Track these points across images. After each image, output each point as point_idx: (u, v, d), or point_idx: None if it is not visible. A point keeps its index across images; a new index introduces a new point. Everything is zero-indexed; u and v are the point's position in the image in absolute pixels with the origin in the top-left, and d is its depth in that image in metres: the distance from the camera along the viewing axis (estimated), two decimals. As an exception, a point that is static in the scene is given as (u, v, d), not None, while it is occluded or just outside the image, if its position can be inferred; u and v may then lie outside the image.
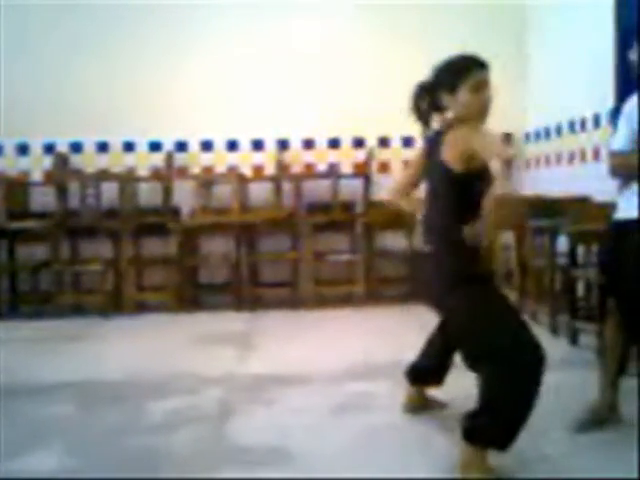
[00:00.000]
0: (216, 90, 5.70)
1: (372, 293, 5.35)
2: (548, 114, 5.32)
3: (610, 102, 4.25)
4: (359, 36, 5.74)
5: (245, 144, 5.83)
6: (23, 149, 5.72)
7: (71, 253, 5.53)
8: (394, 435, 2.53)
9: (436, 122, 2.34)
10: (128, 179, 5.47)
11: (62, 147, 5.71)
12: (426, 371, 2.72)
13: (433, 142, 2.26)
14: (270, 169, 5.77)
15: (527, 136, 5.81)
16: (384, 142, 5.85)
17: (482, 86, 2.19)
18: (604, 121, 4.44)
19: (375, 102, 5.56)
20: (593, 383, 2.64)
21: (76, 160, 5.71)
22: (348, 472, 2.19)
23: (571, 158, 5.00)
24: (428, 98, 2.30)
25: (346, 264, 5.48)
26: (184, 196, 5.52)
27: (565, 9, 5.04)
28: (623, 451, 2.31)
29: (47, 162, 5.67)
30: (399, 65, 5.48)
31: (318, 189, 5.54)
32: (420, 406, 2.75)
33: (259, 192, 5.62)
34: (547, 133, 5.42)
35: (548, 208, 4.38)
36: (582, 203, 4.14)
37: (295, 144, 5.84)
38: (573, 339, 3.79)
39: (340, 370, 3.42)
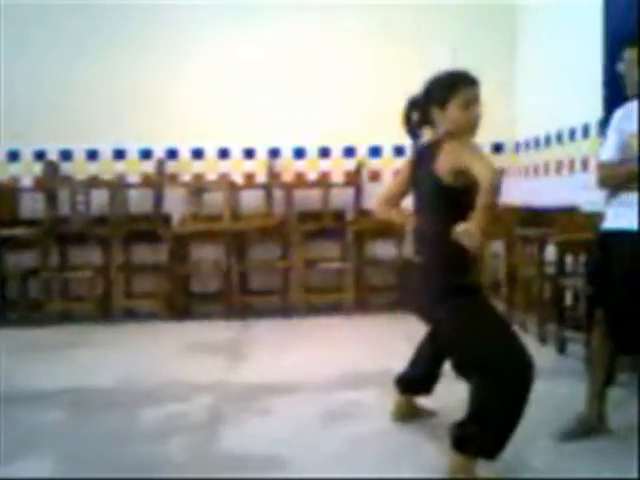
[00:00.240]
0: (207, 98, 5.71)
1: (362, 301, 5.36)
2: (538, 124, 5.36)
3: (599, 113, 4.30)
4: (350, 47, 5.76)
5: (236, 152, 5.84)
6: (13, 156, 5.70)
7: (61, 260, 5.50)
8: (383, 443, 2.54)
9: (427, 135, 2.37)
10: (118, 186, 5.46)
11: (52, 154, 5.69)
12: (416, 380, 2.73)
13: (423, 154, 2.28)
14: (261, 177, 5.78)
15: (517, 146, 5.85)
16: (375, 151, 5.88)
17: (472, 103, 2.21)
18: (593, 131, 4.48)
19: (366, 112, 5.59)
20: (580, 392, 2.66)
21: (66, 167, 5.70)
22: (337, 481, 2.19)
23: (560, 168, 5.04)
24: (419, 112, 2.34)
25: (336, 272, 5.49)
26: (175, 203, 5.51)
27: (554, 21, 5.10)
28: (609, 460, 2.33)
29: (37, 169, 5.66)
30: (390, 75, 5.53)
31: (309, 198, 5.56)
32: (409, 414, 2.76)
33: (250, 200, 5.62)
34: (537, 143, 5.46)
35: (537, 218, 4.42)
36: (570, 213, 4.17)
37: (286, 153, 5.85)
38: (561, 348, 3.82)
39: (330, 378, 3.42)
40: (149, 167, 5.72)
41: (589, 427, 2.54)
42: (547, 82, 5.18)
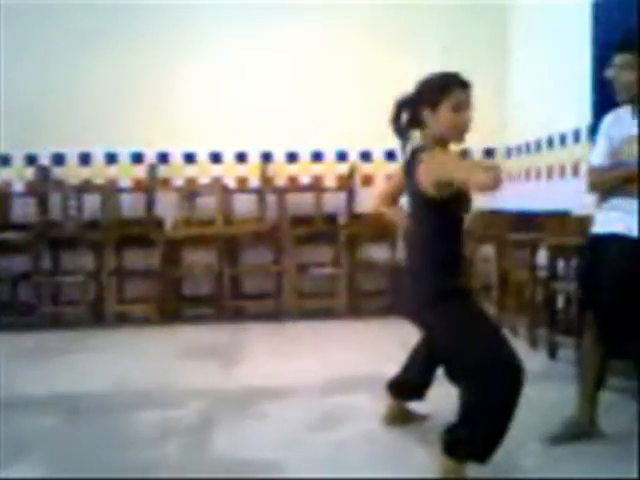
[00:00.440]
0: (199, 102, 5.71)
1: (354, 306, 5.36)
2: (529, 129, 5.39)
3: (589, 118, 4.33)
4: (342, 52, 5.78)
5: (229, 156, 5.84)
6: (5, 160, 5.68)
7: (52, 265, 5.48)
8: (375, 447, 2.54)
9: (415, 138, 2.34)
10: (110, 190, 5.45)
11: (44, 159, 5.68)
12: (408, 385, 2.73)
13: (410, 161, 2.27)
14: (254, 181, 5.78)
15: (509, 151, 5.88)
16: (366, 156, 5.90)
17: (463, 106, 2.20)
18: (584, 137, 4.51)
19: (357, 116, 5.61)
20: (571, 396, 2.67)
21: (58, 172, 5.69)
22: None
23: (551, 173, 5.07)
24: (409, 113, 2.31)
25: (329, 276, 5.49)
26: (167, 208, 5.51)
27: (544, 28, 5.13)
28: (600, 463, 2.34)
29: (29, 173, 5.64)
30: (381, 80, 5.53)
31: (302, 202, 5.56)
32: (401, 419, 2.76)
33: (242, 204, 5.62)
34: (528, 148, 5.49)
35: (528, 222, 4.44)
36: (562, 217, 4.20)
37: (278, 157, 5.86)
38: (552, 352, 3.83)
39: (322, 383, 3.42)
40: (141, 171, 5.71)
41: (580, 431, 2.55)
42: (538, 87, 5.22)
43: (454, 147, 2.30)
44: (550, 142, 5.07)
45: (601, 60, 3.97)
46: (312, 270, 5.45)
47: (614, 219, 2.58)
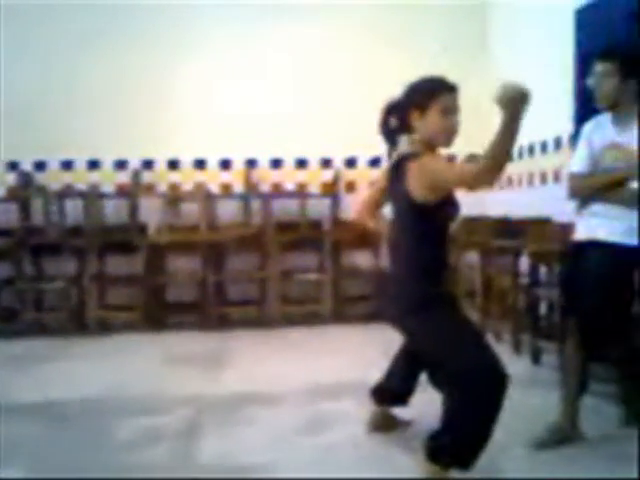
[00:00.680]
0: (182, 109, 5.70)
1: (339, 312, 5.36)
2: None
3: (570, 126, 4.38)
4: (326, 60, 5.81)
5: (212, 163, 5.83)
6: (-14, 166, 5.63)
7: (35, 271, 5.43)
8: (358, 453, 2.54)
9: (403, 143, 2.34)
10: (93, 196, 5.41)
11: (26, 165, 5.63)
12: (391, 392, 2.73)
13: (397, 168, 2.27)
14: (238, 188, 5.78)
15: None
16: (351, 163, 5.92)
17: (451, 110, 2.20)
18: (565, 144, 4.56)
19: (341, 123, 5.65)
20: (554, 401, 2.69)
21: (40, 177, 5.64)
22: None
23: (532, 180, 5.11)
24: (397, 118, 2.31)
25: (314, 283, 5.49)
26: (150, 214, 5.48)
27: (527, 36, 5.19)
28: (583, 467, 2.36)
29: (10, 178, 5.59)
30: (365, 88, 5.57)
31: (286, 208, 5.57)
32: (384, 425, 2.76)
33: (227, 210, 5.61)
34: (510, 155, 5.53)
35: (512, 228, 4.47)
36: (543, 224, 4.24)
37: (263, 163, 5.86)
38: (535, 358, 3.86)
39: (307, 389, 3.42)
40: (124, 177, 5.68)
41: (563, 435, 2.57)
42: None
43: (442, 151, 2.30)
44: (531, 149, 5.12)
45: (583, 68, 4.03)
46: (297, 276, 5.45)
47: (595, 225, 2.61)
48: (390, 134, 2.34)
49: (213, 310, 5.24)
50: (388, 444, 2.62)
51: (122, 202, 5.56)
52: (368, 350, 4.17)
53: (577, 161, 2.73)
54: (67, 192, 5.49)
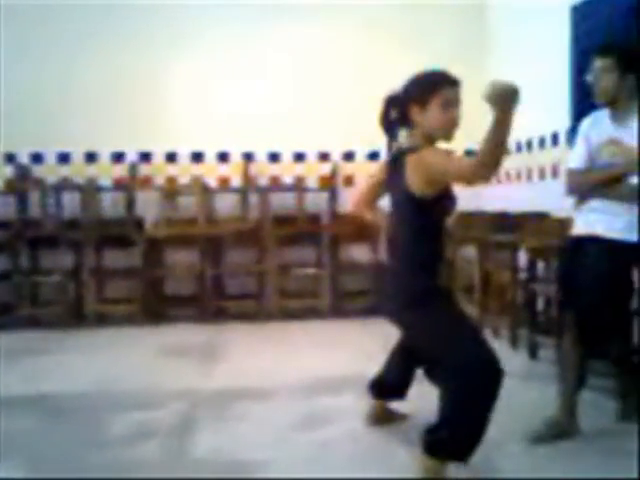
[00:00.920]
0: (180, 101, 5.69)
1: (337, 306, 5.37)
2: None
3: (567, 121, 4.38)
4: (323, 54, 5.79)
5: (210, 156, 5.82)
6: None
7: (31, 264, 5.42)
8: (356, 447, 2.55)
9: (403, 137, 2.33)
10: (90, 189, 5.40)
11: (23, 157, 5.61)
12: (389, 386, 2.73)
13: (396, 161, 2.26)
14: (235, 181, 5.77)
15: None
16: (349, 156, 5.91)
17: (452, 104, 2.19)
18: (562, 140, 4.56)
19: (339, 117, 5.64)
20: (552, 396, 2.70)
21: (37, 170, 5.62)
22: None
23: (530, 175, 5.11)
24: (397, 110, 2.29)
25: (312, 277, 5.49)
26: (148, 207, 5.47)
27: (524, 32, 5.17)
28: (580, 462, 2.37)
29: (7, 171, 5.57)
30: (363, 81, 5.57)
31: (284, 202, 5.57)
32: (383, 418, 2.77)
33: (225, 204, 5.61)
34: (508, 150, 5.53)
35: (510, 223, 4.47)
36: (542, 219, 4.24)
37: (261, 157, 5.85)
38: (533, 353, 3.87)
39: (304, 383, 3.42)
40: (121, 170, 5.67)
41: (560, 430, 2.58)
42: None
43: (443, 145, 2.28)
44: (529, 144, 5.12)
45: (580, 64, 4.03)
46: (295, 270, 5.45)
47: (593, 221, 2.62)
48: (390, 127, 2.33)
49: (211, 304, 5.24)
50: (386, 438, 2.63)
51: (119, 195, 5.55)
52: (366, 344, 4.18)
53: (575, 157, 2.73)
54: (64, 185, 5.47)
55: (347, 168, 5.89)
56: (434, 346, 2.20)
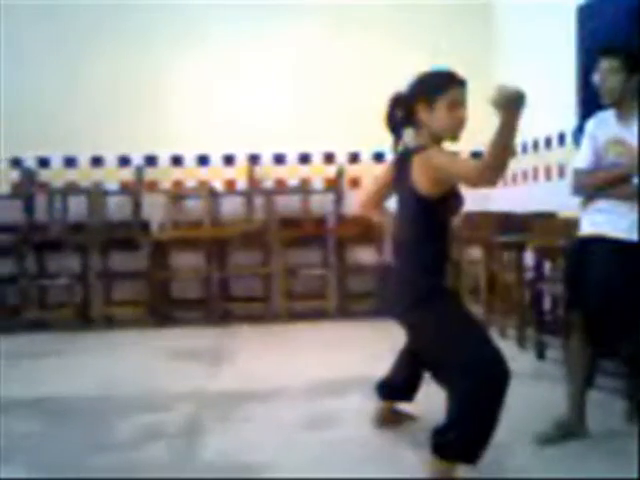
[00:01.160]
0: (186, 105, 5.71)
1: (344, 307, 5.37)
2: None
3: (574, 121, 4.37)
4: (328, 55, 5.79)
5: (216, 159, 5.83)
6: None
7: (38, 267, 5.44)
8: (363, 449, 2.54)
9: (409, 137, 2.30)
10: (96, 192, 5.42)
11: (29, 161, 5.64)
12: (397, 388, 2.72)
13: (403, 161, 2.25)
14: (241, 184, 5.77)
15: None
16: (354, 158, 5.91)
17: (459, 104, 2.17)
18: (568, 140, 4.55)
19: (345, 118, 5.63)
20: (559, 397, 2.69)
21: (43, 174, 5.64)
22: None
23: (536, 175, 5.10)
24: (403, 110, 2.27)
25: (318, 278, 5.49)
26: (154, 210, 5.49)
27: (529, 30, 5.17)
28: (587, 463, 2.35)
29: (14, 175, 5.60)
30: (369, 82, 5.56)
31: (289, 204, 5.57)
32: (390, 420, 2.76)
33: (230, 206, 5.62)
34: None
35: (515, 224, 4.46)
36: (548, 219, 4.23)
37: (266, 159, 5.86)
38: (540, 353, 3.85)
39: (310, 385, 3.42)
40: (127, 174, 5.68)
41: (568, 431, 2.57)
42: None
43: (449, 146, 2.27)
44: (536, 145, 5.11)
45: (586, 64, 4.02)
46: (301, 272, 5.45)
47: (600, 221, 2.61)
48: (396, 126, 2.31)
49: (217, 306, 5.25)
50: (394, 440, 2.62)
51: (125, 199, 5.57)
52: (373, 346, 4.17)
53: (581, 157, 2.73)
54: (71, 189, 5.50)
55: (352, 170, 5.89)
56: (440, 346, 2.18)
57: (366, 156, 5.90)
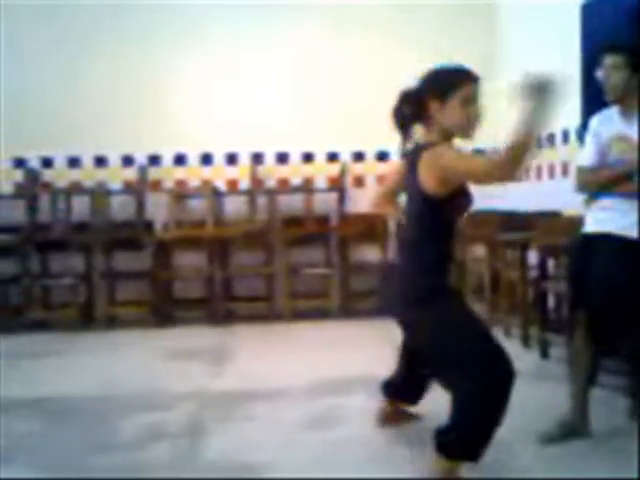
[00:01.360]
0: (188, 104, 5.70)
1: (347, 307, 5.36)
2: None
3: (577, 119, 4.35)
4: (332, 53, 5.78)
5: (219, 158, 5.82)
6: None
7: (41, 267, 5.44)
8: (366, 448, 2.53)
9: (419, 133, 2.24)
10: (100, 192, 5.42)
11: (33, 161, 5.64)
12: (402, 388, 2.71)
13: (413, 157, 2.18)
14: (244, 183, 5.77)
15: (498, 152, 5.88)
16: (358, 156, 5.90)
17: (473, 100, 2.13)
18: (572, 137, 4.53)
19: (348, 117, 5.61)
20: (563, 395, 2.67)
21: (47, 174, 5.65)
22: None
23: (540, 173, 5.08)
24: (413, 106, 2.20)
25: (321, 278, 5.48)
26: (157, 210, 5.49)
27: (533, 27, 5.15)
28: (590, 462, 2.34)
29: (17, 175, 5.61)
30: (372, 81, 5.54)
31: (293, 203, 5.56)
32: (393, 419, 2.75)
33: (233, 206, 5.61)
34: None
35: (519, 222, 4.45)
36: (552, 217, 4.21)
37: (269, 158, 5.85)
38: (544, 352, 3.84)
39: (314, 384, 3.41)
40: (131, 174, 5.69)
41: (571, 430, 2.56)
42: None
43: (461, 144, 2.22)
44: (539, 142, 5.08)
45: (590, 61, 4.00)
46: (304, 271, 5.44)
47: (604, 219, 2.60)
48: (403, 122, 2.24)
49: (220, 305, 5.25)
50: (397, 439, 2.61)
51: (129, 198, 5.57)
52: (376, 345, 4.16)
53: (585, 155, 2.72)
54: (74, 189, 5.50)
55: (356, 168, 5.87)
56: (442, 346, 2.15)
57: (370, 155, 5.88)
